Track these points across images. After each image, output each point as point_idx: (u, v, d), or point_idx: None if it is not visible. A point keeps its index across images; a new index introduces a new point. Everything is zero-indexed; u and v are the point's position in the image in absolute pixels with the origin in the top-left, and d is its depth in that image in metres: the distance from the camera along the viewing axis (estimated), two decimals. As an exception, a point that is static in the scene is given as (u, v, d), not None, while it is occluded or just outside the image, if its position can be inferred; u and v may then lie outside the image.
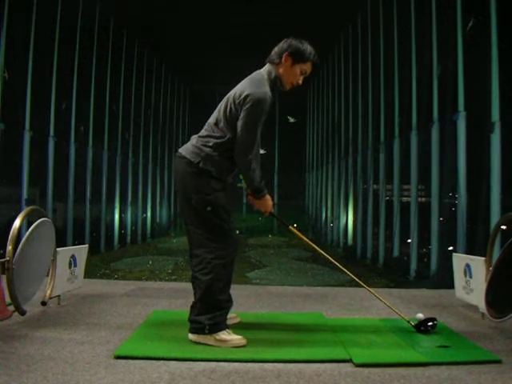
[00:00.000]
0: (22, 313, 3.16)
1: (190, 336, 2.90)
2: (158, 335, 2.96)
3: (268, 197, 3.04)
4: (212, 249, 2.91)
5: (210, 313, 2.88)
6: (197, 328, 2.89)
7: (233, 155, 2.92)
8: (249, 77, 3.04)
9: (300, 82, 3.06)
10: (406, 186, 12.16)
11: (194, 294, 2.98)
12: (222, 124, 2.96)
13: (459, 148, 9.12)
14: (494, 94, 8.05)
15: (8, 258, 3.04)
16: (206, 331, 2.85)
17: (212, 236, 2.92)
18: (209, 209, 2.91)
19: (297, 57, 2.98)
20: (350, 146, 17.17)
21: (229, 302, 3.01)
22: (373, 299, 4.30)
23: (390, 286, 9.37)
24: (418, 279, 10.60)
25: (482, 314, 3.44)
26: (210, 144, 2.96)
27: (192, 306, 2.99)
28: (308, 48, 3.01)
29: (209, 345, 2.82)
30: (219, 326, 2.89)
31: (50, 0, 12.19)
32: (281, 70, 2.99)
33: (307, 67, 3.03)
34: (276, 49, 3.05)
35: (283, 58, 2.98)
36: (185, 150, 3.04)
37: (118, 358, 2.52)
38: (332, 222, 20.17)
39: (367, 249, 14.65)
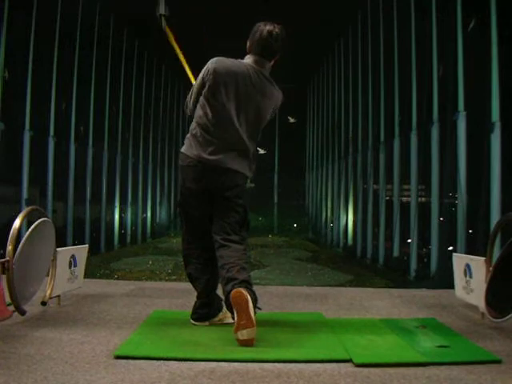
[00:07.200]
0: (22, 313, 3.15)
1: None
2: (158, 335, 2.95)
3: None
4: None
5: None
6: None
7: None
8: None
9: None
10: (406, 186, 12.16)
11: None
12: None
13: (459, 148, 9.12)
14: (494, 94, 8.06)
15: (8, 258, 3.03)
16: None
17: None
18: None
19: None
20: (350, 146, 17.17)
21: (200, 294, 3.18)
22: (373, 299, 4.31)
23: (390, 286, 9.36)
24: (418, 279, 10.60)
25: (482, 313, 3.44)
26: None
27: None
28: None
29: None
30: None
31: (50, 0, 12.20)
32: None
33: None
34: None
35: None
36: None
37: (118, 357, 2.51)
38: (332, 222, 20.17)
39: (367, 249, 14.65)
